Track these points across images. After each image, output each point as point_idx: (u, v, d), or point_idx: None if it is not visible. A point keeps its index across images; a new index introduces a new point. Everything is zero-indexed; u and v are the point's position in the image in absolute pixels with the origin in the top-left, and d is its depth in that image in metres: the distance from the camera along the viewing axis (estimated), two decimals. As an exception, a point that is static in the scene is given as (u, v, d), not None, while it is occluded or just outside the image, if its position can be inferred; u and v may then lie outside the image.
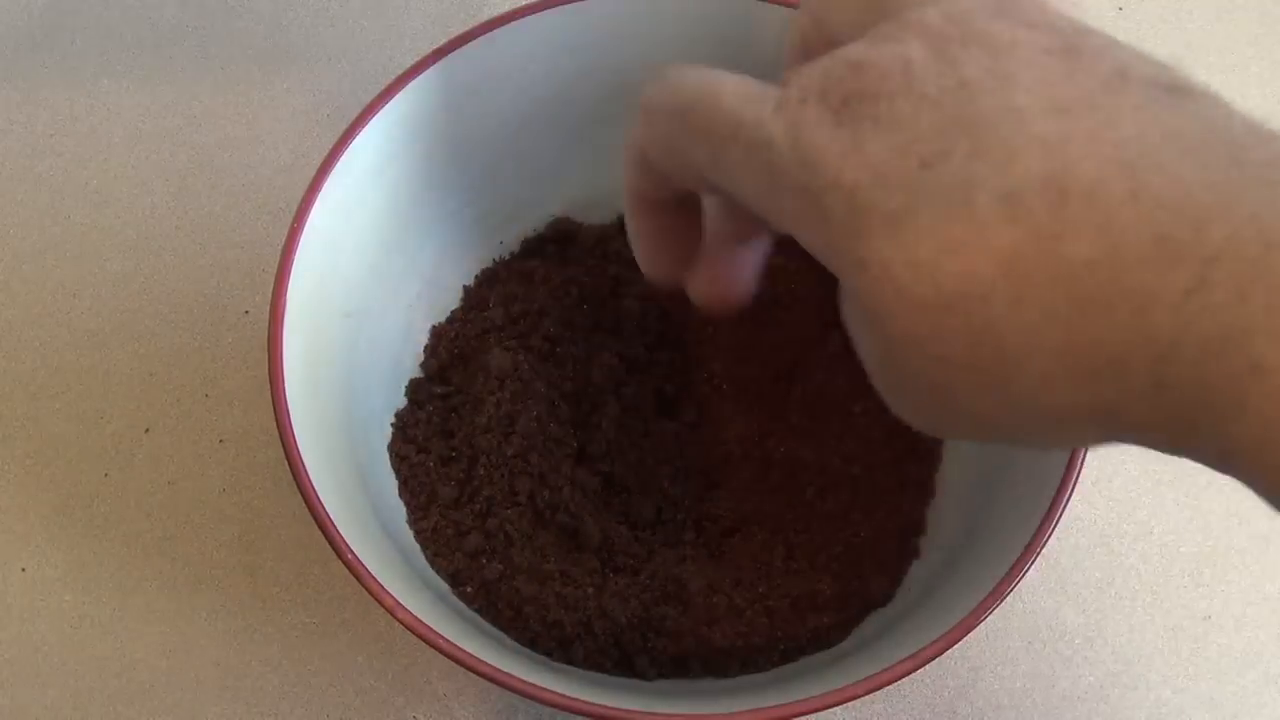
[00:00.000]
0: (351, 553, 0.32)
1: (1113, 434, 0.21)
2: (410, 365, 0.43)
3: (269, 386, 0.34)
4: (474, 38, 0.39)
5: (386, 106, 0.38)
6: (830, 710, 0.32)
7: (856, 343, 0.24)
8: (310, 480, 0.33)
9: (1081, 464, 0.34)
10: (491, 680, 0.32)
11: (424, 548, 0.39)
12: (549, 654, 0.38)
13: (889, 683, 0.32)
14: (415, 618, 0.32)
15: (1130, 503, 0.45)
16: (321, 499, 0.33)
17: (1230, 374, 0.18)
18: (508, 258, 0.46)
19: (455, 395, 0.42)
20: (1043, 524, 0.33)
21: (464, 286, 0.45)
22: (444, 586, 0.38)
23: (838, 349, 0.44)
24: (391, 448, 0.41)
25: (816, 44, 0.25)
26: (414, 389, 0.42)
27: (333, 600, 0.43)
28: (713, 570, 0.40)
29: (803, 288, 0.44)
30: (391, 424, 0.41)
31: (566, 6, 0.39)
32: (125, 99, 0.52)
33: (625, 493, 0.42)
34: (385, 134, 0.38)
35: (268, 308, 0.35)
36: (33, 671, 0.42)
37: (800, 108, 0.22)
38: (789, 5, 0.39)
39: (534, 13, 0.39)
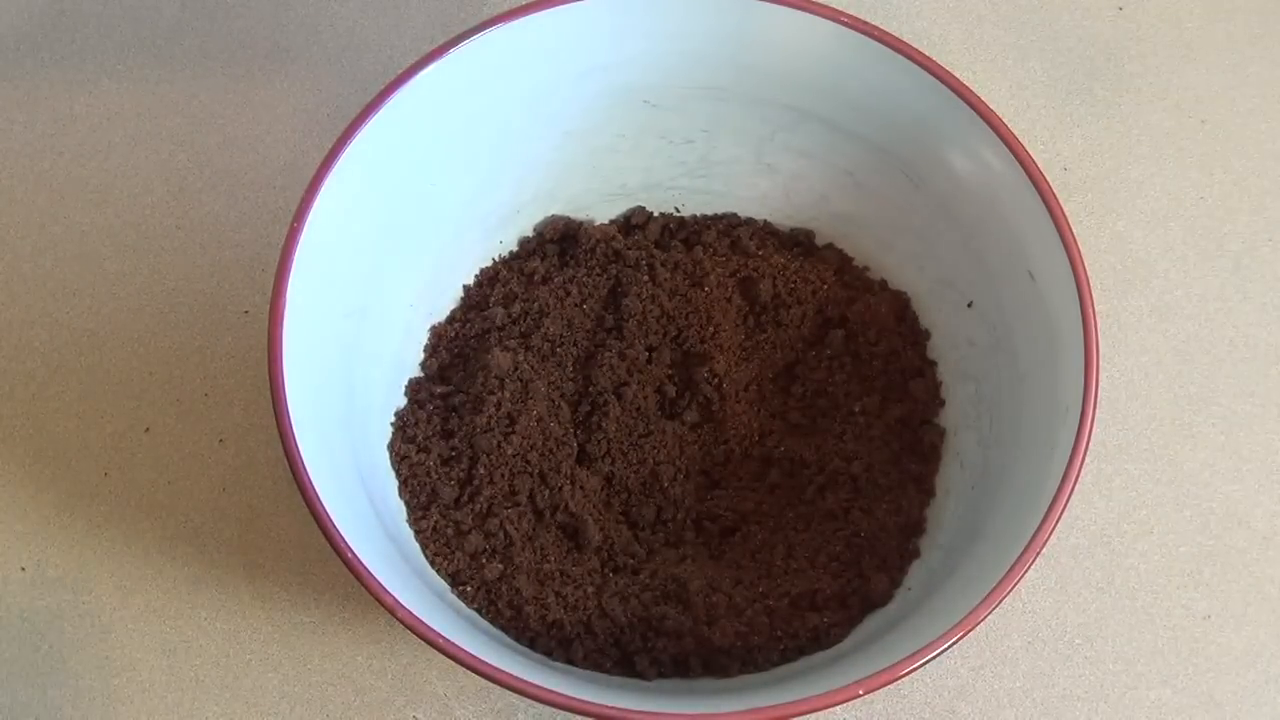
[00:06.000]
0: (351, 552, 0.32)
1: None
2: (410, 365, 0.43)
3: (269, 386, 0.34)
4: (473, 37, 0.39)
5: (386, 106, 0.38)
6: (830, 710, 0.32)
7: None
8: (310, 480, 0.33)
9: (1081, 464, 0.34)
10: (491, 680, 0.32)
11: (424, 548, 0.39)
12: (549, 654, 0.38)
13: (889, 683, 0.32)
14: (415, 617, 0.32)
15: (1130, 503, 0.45)
16: (322, 499, 0.33)
17: None
18: (508, 257, 0.45)
19: (455, 395, 0.42)
20: (1043, 524, 0.33)
21: (464, 286, 0.45)
22: (443, 586, 0.38)
23: (838, 349, 0.44)
24: (391, 448, 0.41)
25: None
26: (414, 389, 0.42)
27: (333, 600, 0.43)
28: (713, 570, 0.40)
29: (803, 288, 0.45)
30: (391, 424, 0.41)
31: (566, 6, 0.39)
32: (125, 99, 0.52)
33: (625, 493, 0.42)
34: (385, 133, 0.38)
35: (268, 308, 0.35)
36: (33, 671, 0.42)
37: None
38: (789, 5, 0.39)
39: (534, 12, 0.39)
